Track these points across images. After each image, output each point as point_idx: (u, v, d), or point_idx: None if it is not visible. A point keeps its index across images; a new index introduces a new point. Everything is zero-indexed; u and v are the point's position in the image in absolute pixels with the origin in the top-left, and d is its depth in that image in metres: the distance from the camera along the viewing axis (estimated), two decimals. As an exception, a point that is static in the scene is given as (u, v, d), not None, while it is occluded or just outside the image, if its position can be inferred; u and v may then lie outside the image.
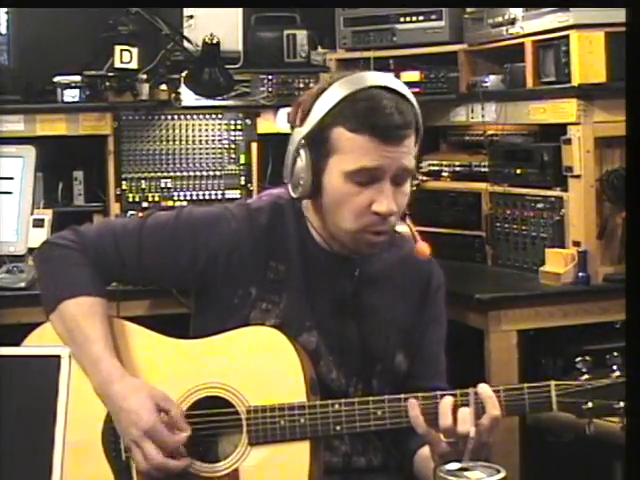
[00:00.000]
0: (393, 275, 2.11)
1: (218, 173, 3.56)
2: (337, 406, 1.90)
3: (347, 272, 2.06)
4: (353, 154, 1.91)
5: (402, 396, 1.89)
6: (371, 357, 2.06)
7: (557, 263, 3.03)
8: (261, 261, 2.04)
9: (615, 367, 1.83)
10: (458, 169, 3.59)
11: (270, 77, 3.65)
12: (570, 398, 1.84)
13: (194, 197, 3.54)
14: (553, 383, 1.85)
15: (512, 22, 3.24)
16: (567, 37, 3.02)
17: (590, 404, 1.83)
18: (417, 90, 3.59)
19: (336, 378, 2.04)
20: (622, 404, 1.81)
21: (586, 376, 1.84)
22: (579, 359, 1.86)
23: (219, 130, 3.57)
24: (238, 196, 3.53)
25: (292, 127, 2.03)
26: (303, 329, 2.03)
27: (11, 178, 3.23)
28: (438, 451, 1.84)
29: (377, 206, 1.92)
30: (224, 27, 3.65)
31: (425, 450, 1.97)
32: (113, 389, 1.93)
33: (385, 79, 1.96)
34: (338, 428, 1.89)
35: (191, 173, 3.55)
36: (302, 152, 1.96)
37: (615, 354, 1.84)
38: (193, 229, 2.05)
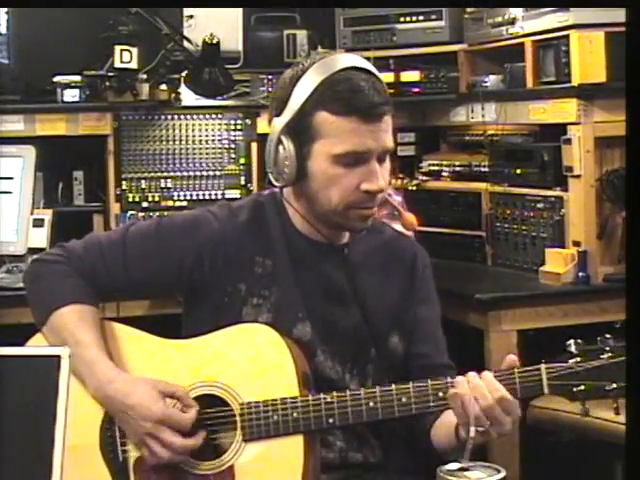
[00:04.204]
0: (378, 260, 2.13)
1: (218, 173, 3.56)
2: (329, 399, 1.90)
3: (332, 260, 2.08)
4: (339, 137, 1.94)
5: (394, 386, 1.90)
6: (364, 343, 2.07)
7: (557, 263, 3.03)
8: (247, 257, 2.06)
9: (607, 348, 1.82)
10: (458, 169, 3.59)
11: (270, 77, 3.65)
12: (561, 381, 1.83)
13: (194, 197, 3.54)
14: (544, 366, 1.85)
15: (512, 22, 3.25)
16: (567, 37, 3.03)
17: (582, 386, 1.81)
18: (417, 90, 3.60)
19: (332, 366, 2.05)
20: (614, 385, 1.79)
21: (577, 358, 1.83)
22: (570, 341, 1.85)
23: (219, 130, 3.57)
24: (238, 196, 3.53)
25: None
26: (297, 320, 2.04)
27: (11, 178, 3.23)
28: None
29: (367, 185, 1.96)
30: (224, 27, 3.65)
31: (438, 421, 2.00)
32: (112, 389, 1.93)
33: (356, 60, 1.99)
34: (331, 421, 1.90)
35: (191, 173, 3.55)
36: (284, 140, 1.98)
37: (607, 335, 1.83)
38: (176, 234, 2.07)
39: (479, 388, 1.81)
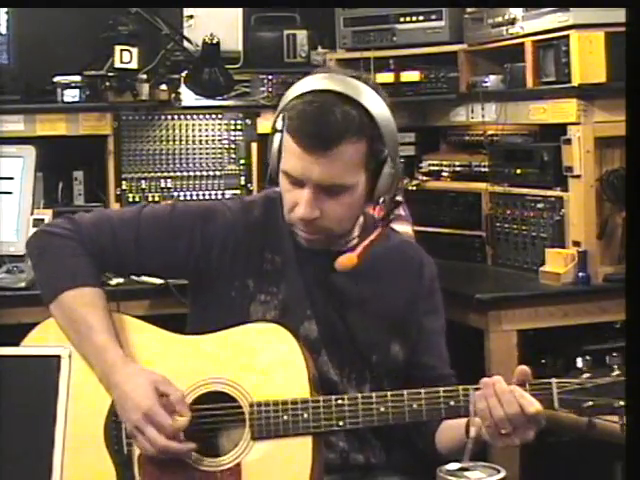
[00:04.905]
0: (383, 266, 2.12)
1: (218, 173, 3.56)
2: (340, 401, 1.91)
3: (328, 263, 2.07)
4: (286, 154, 1.96)
5: (405, 392, 1.90)
6: (364, 348, 2.08)
7: (557, 263, 3.03)
8: (256, 252, 2.06)
9: (615, 367, 1.85)
10: (458, 169, 3.59)
11: (270, 77, 3.65)
12: (571, 396, 1.85)
13: (194, 197, 3.53)
14: (555, 381, 1.86)
15: (512, 22, 3.25)
16: (567, 37, 3.02)
17: (590, 402, 1.84)
18: (417, 90, 3.60)
19: (332, 367, 2.06)
20: (622, 403, 1.82)
21: (587, 375, 1.86)
22: (580, 358, 1.88)
23: (219, 130, 3.57)
24: (243, 196, 3.53)
25: None
26: (304, 318, 2.05)
27: (11, 178, 3.23)
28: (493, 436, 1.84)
29: (296, 209, 1.97)
30: (224, 27, 3.65)
31: (444, 424, 2.01)
32: (117, 377, 1.94)
33: (341, 85, 1.93)
34: (341, 423, 1.90)
35: (191, 173, 3.55)
36: (273, 139, 2.01)
37: (615, 354, 1.86)
38: (189, 218, 2.08)
39: (506, 394, 1.81)
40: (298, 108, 1.94)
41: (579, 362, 1.87)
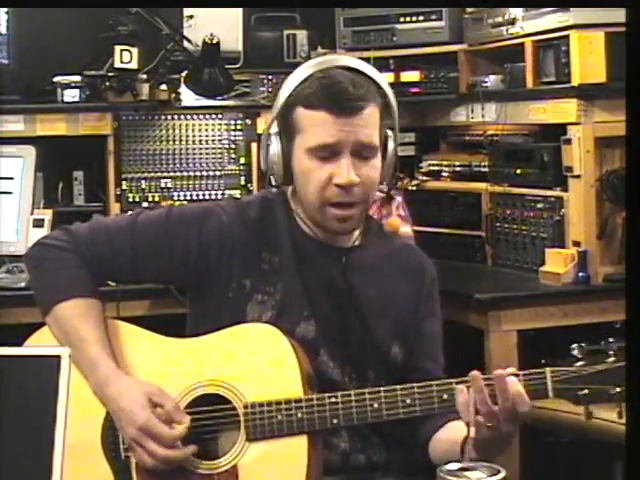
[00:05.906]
0: (385, 267, 2.13)
1: (218, 173, 3.56)
2: (334, 399, 1.91)
3: (336, 262, 2.08)
4: (312, 131, 1.97)
5: (398, 387, 1.90)
6: (366, 348, 2.08)
7: (557, 263, 3.03)
8: (253, 253, 2.06)
9: (611, 352, 1.83)
10: (458, 169, 3.59)
11: (270, 77, 3.65)
12: (566, 384, 1.83)
13: (194, 197, 3.53)
14: (548, 370, 1.85)
15: (512, 22, 3.25)
16: (567, 37, 3.02)
17: (586, 390, 1.82)
18: (417, 90, 3.60)
19: (333, 367, 2.06)
20: (618, 389, 1.80)
21: (581, 362, 1.84)
22: (575, 345, 1.86)
23: (219, 130, 3.57)
24: (238, 196, 3.53)
25: None
26: (301, 318, 2.04)
27: (11, 178, 3.23)
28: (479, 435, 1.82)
29: (337, 179, 1.97)
30: (224, 27, 3.65)
31: (441, 434, 2.01)
32: (110, 391, 1.94)
33: (344, 60, 2.02)
34: (335, 421, 1.90)
35: (191, 173, 3.55)
36: (272, 139, 2.03)
37: (610, 340, 1.84)
38: (185, 223, 2.08)
39: (480, 394, 1.79)
40: (315, 84, 1.97)
41: (575, 350, 1.85)
